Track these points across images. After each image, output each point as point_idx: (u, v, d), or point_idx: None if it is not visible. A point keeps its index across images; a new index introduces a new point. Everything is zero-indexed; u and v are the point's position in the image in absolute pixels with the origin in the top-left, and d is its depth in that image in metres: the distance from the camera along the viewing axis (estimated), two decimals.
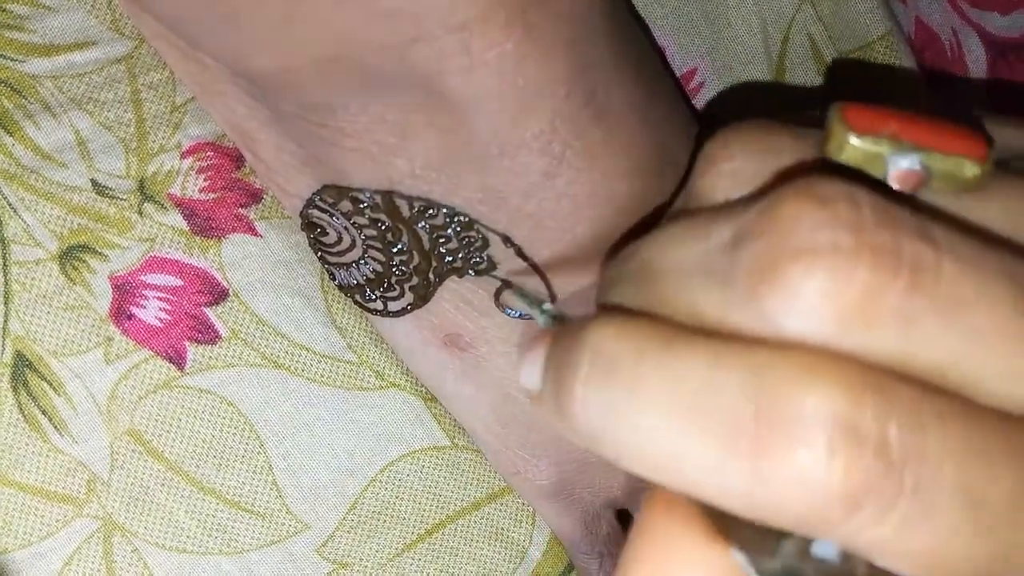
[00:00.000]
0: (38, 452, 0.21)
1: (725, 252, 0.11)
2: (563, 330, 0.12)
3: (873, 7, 0.22)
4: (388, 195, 0.18)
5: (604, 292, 0.13)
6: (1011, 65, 0.24)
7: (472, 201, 0.18)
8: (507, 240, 0.18)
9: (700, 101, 0.23)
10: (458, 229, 0.19)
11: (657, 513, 0.12)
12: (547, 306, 0.15)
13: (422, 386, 0.23)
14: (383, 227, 0.19)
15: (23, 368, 0.21)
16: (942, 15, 0.23)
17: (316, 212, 0.20)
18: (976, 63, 0.23)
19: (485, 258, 0.19)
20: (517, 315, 0.20)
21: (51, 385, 0.21)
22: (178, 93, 0.22)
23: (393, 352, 0.22)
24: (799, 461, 0.10)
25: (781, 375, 0.10)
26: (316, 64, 0.17)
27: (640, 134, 0.18)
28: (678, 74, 0.22)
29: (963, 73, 0.24)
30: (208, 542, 0.22)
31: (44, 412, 0.21)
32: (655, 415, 0.11)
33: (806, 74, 0.22)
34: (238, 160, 0.22)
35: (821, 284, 0.10)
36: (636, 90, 0.18)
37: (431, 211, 0.18)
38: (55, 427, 0.21)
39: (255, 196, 0.22)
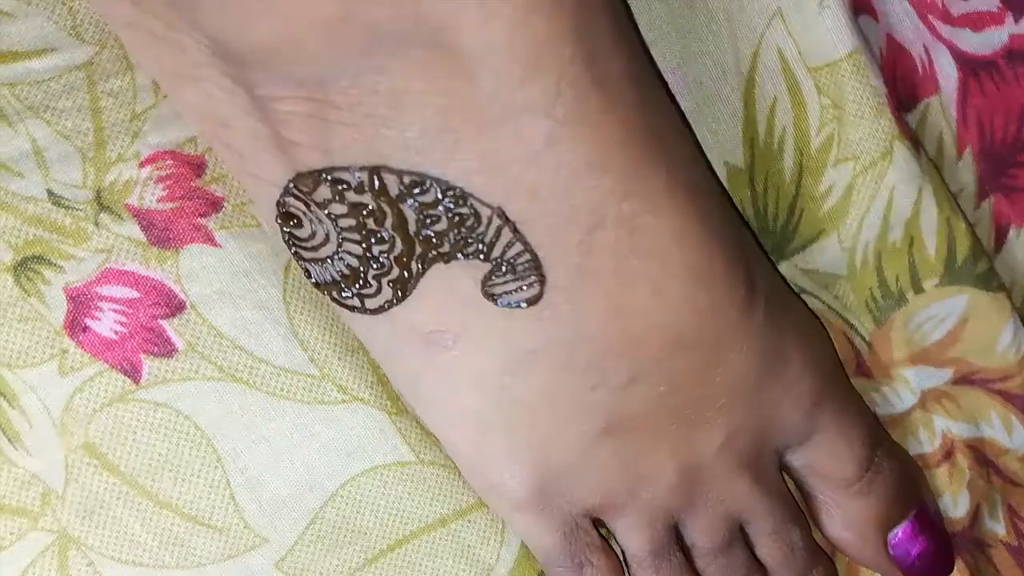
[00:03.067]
0: None
1: None
2: None
3: (841, 25, 0.21)
4: (376, 170, 0.17)
5: None
6: (982, 83, 0.23)
7: (468, 172, 0.17)
8: (501, 214, 0.17)
9: None
10: (450, 205, 0.17)
11: None
12: None
13: (387, 400, 0.22)
14: (365, 212, 0.18)
15: None
16: (914, 32, 0.22)
17: (292, 201, 0.18)
18: (947, 80, 0.23)
19: (476, 238, 0.18)
20: (507, 304, 0.18)
21: (5, 397, 0.20)
22: (138, 100, 0.21)
23: (358, 364, 0.21)
24: None
25: None
26: (322, 27, 0.15)
27: (635, 108, 0.17)
28: None
29: (934, 91, 0.23)
30: (165, 556, 0.21)
31: None
32: None
33: (775, 88, 0.22)
34: (198, 168, 0.21)
35: None
36: (632, 64, 0.17)
37: (422, 186, 0.17)
38: (9, 440, 0.20)
39: (215, 205, 0.21)
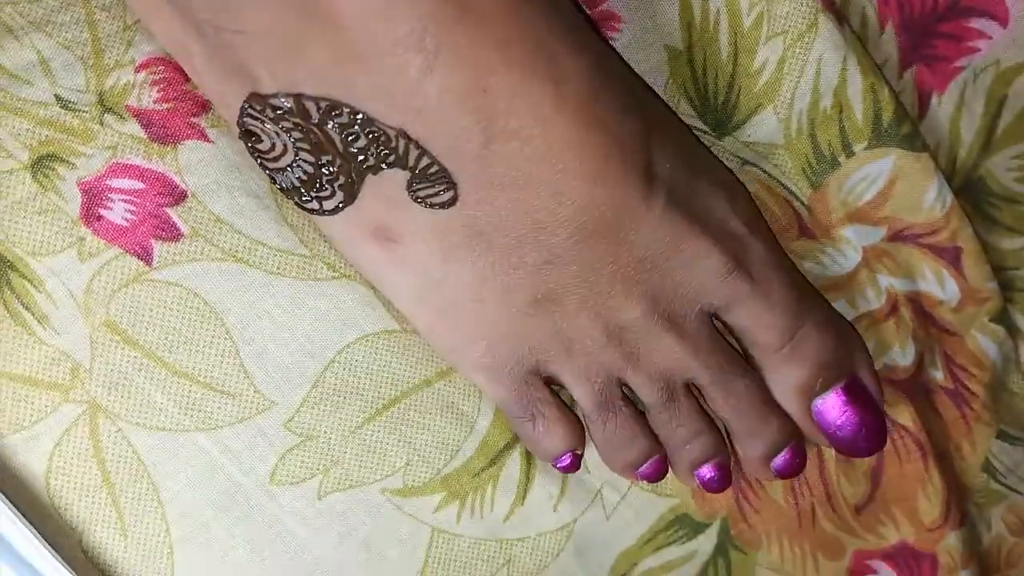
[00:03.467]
0: (24, 344, 0.22)
1: None
2: None
3: None
4: (297, 98, 0.19)
5: None
6: None
7: (366, 99, 0.19)
8: (403, 134, 0.19)
9: (611, 2, 0.24)
10: (362, 127, 0.19)
11: None
12: None
13: None
14: (304, 129, 0.20)
15: (5, 269, 0.22)
16: None
17: (249, 120, 0.20)
18: None
19: (392, 151, 0.20)
20: (429, 206, 0.21)
21: (31, 283, 0.22)
22: (128, 14, 0.23)
23: None
24: None
25: None
26: None
27: (513, 33, 0.19)
28: None
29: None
30: (184, 420, 0.23)
31: (27, 307, 0.22)
32: None
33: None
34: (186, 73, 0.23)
35: None
36: None
37: (336, 111, 0.19)
38: (38, 321, 0.22)
39: (205, 106, 0.23)
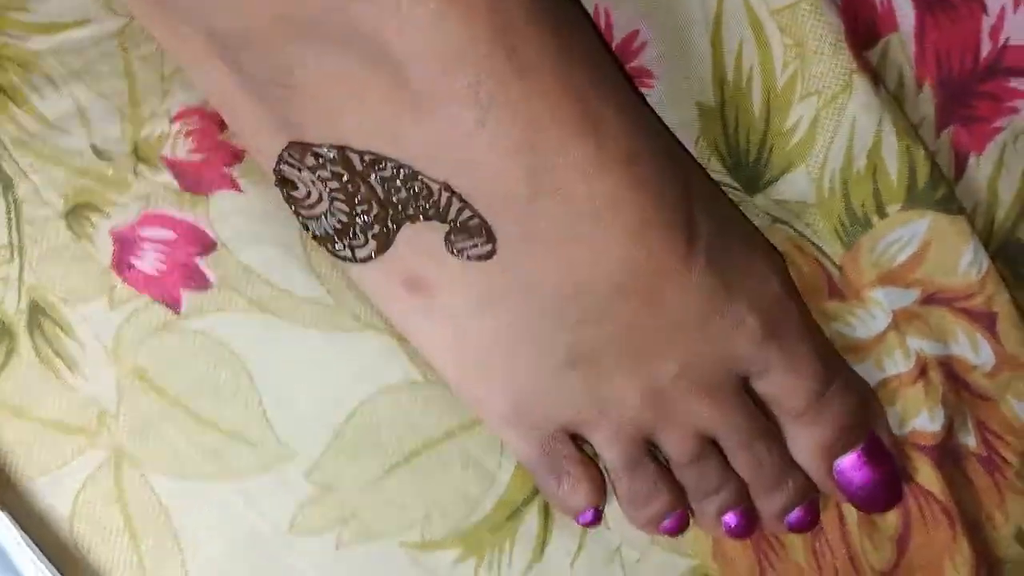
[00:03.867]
0: (54, 389, 0.23)
1: None
2: None
3: None
4: (342, 150, 0.19)
5: None
6: (937, 19, 0.25)
7: (414, 153, 0.19)
8: (446, 187, 0.20)
9: (644, 58, 0.24)
10: (405, 180, 0.20)
11: None
12: None
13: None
14: (344, 179, 0.20)
15: (37, 315, 0.23)
16: None
17: (286, 168, 0.21)
18: (904, 18, 0.24)
19: (432, 205, 0.20)
20: (466, 258, 0.21)
21: (62, 329, 0.23)
22: (166, 64, 0.23)
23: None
24: None
25: None
26: (269, 21, 0.18)
27: (560, 90, 0.19)
28: (622, 35, 0.24)
29: (893, 28, 0.24)
30: (207, 468, 0.23)
31: (57, 353, 0.23)
32: None
33: (740, 31, 0.23)
34: (221, 123, 0.23)
35: None
36: (559, 51, 0.19)
37: (380, 164, 0.19)
38: (67, 367, 0.23)
39: (238, 156, 0.23)
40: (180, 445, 0.23)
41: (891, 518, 0.25)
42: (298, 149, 0.20)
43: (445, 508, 0.24)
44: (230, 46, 0.20)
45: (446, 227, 0.20)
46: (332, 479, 0.24)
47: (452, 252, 0.21)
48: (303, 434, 0.24)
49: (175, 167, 0.23)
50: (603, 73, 0.21)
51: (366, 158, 0.20)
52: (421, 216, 0.20)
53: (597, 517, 0.24)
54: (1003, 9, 0.24)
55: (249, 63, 0.20)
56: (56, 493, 0.23)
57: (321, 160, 0.20)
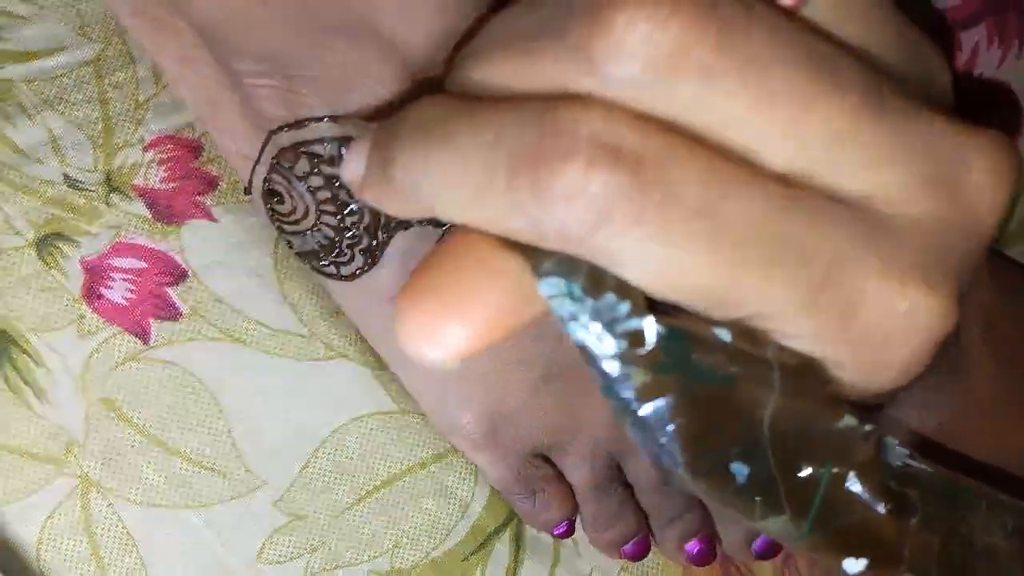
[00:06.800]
0: (22, 418, 0.22)
1: (564, 8, 0.11)
2: (386, 122, 0.13)
3: None
4: (344, 140, 0.19)
5: (446, 82, 0.13)
6: None
7: None
8: None
9: None
10: None
11: (456, 236, 0.12)
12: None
13: (370, 356, 0.24)
14: (337, 184, 0.19)
15: (7, 344, 0.22)
16: None
17: (276, 177, 0.20)
18: None
19: None
20: None
21: (31, 358, 0.22)
22: (141, 91, 0.23)
23: (342, 325, 0.23)
24: (567, 172, 0.11)
25: (565, 108, 0.11)
26: (264, 7, 0.17)
27: None
28: None
29: None
30: (175, 497, 0.23)
31: (26, 382, 0.22)
32: (461, 158, 0.11)
33: None
34: (196, 151, 0.23)
35: (641, 32, 0.11)
36: None
37: None
38: (36, 395, 0.22)
39: (212, 183, 0.23)
40: (148, 474, 0.23)
41: None
42: (290, 155, 0.19)
43: (416, 537, 0.24)
44: (213, 37, 0.19)
45: (436, 235, 0.20)
46: (301, 508, 0.24)
47: None
48: (272, 463, 0.23)
49: (147, 196, 0.22)
50: None
51: None
52: (421, 220, 0.20)
53: (571, 528, 0.24)
54: None
55: (235, 55, 0.19)
56: (23, 521, 0.22)
57: (315, 161, 0.19)
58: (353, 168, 0.13)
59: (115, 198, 0.22)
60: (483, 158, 0.11)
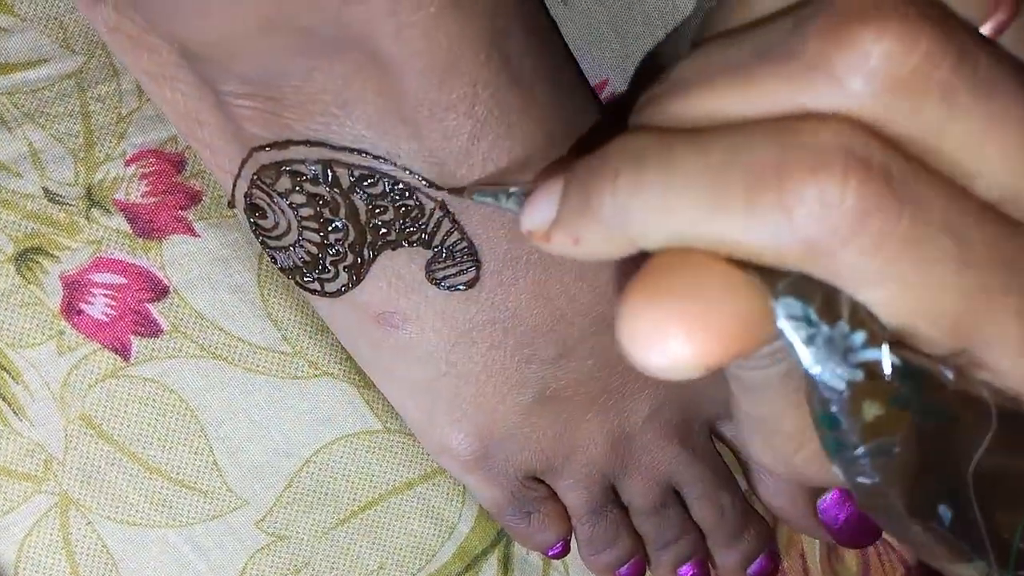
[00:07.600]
0: (0, 435, 0.22)
1: (788, 32, 0.11)
2: (581, 159, 0.12)
3: None
4: (328, 163, 0.18)
5: (633, 118, 0.13)
6: None
7: (411, 167, 0.18)
8: (443, 206, 0.18)
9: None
10: (396, 197, 0.18)
11: (678, 252, 0.11)
12: (514, 189, 0.15)
13: (355, 374, 0.23)
14: (320, 202, 0.19)
15: None
16: None
17: (257, 192, 0.20)
18: None
19: (419, 228, 0.19)
20: (447, 288, 0.20)
21: (9, 374, 0.22)
22: (123, 104, 0.22)
23: (327, 342, 0.23)
24: (820, 183, 0.10)
25: (806, 122, 0.11)
26: (256, 28, 0.17)
27: (551, 107, 0.18)
28: (592, 83, 0.23)
29: None
30: (155, 516, 0.23)
31: (4, 398, 0.22)
32: (684, 181, 0.11)
33: None
34: (179, 165, 0.22)
35: (887, 48, 0.10)
36: (550, 66, 0.18)
37: (371, 179, 0.18)
38: (14, 412, 0.22)
39: (194, 198, 0.22)
40: (128, 492, 0.22)
41: (851, 565, 0.25)
42: (272, 172, 0.19)
43: (401, 559, 0.24)
44: (198, 58, 0.19)
45: (426, 255, 0.19)
46: (284, 528, 0.23)
47: (433, 281, 0.20)
48: (254, 483, 0.23)
49: (128, 211, 0.22)
50: (583, 88, 0.20)
51: (355, 173, 0.18)
52: (404, 242, 0.19)
53: (567, 548, 0.24)
54: None
55: (221, 76, 0.18)
56: (1, 539, 0.22)
57: (298, 179, 0.19)
58: (544, 211, 0.13)
59: (96, 213, 0.22)
60: (711, 178, 0.11)
